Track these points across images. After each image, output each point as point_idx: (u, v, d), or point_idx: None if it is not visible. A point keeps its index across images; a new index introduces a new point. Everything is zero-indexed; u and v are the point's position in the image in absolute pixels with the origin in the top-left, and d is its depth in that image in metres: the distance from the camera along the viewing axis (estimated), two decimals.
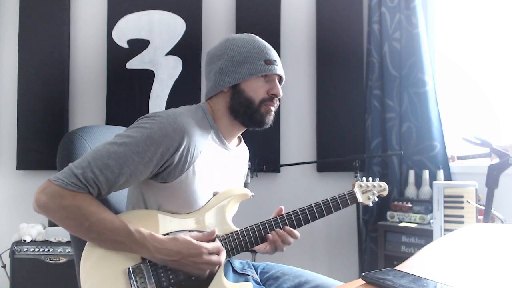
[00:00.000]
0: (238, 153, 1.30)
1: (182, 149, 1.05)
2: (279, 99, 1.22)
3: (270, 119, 1.19)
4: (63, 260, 2.26)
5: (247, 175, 2.13)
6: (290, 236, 1.20)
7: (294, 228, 1.21)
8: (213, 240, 1.09)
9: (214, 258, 1.05)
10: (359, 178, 1.35)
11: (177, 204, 1.11)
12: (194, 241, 1.04)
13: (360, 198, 1.31)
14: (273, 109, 1.19)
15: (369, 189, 1.33)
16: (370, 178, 1.38)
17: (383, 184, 1.37)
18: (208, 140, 1.15)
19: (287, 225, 1.20)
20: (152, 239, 1.02)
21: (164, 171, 1.07)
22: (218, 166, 1.18)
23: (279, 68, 1.19)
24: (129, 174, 1.02)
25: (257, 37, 1.22)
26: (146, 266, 1.04)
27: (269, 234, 1.18)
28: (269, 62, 1.16)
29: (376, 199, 1.35)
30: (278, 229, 1.19)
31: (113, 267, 1.03)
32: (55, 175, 1.00)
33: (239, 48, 1.17)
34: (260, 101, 1.16)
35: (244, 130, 1.25)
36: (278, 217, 1.21)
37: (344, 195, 1.28)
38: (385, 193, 1.37)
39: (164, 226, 1.09)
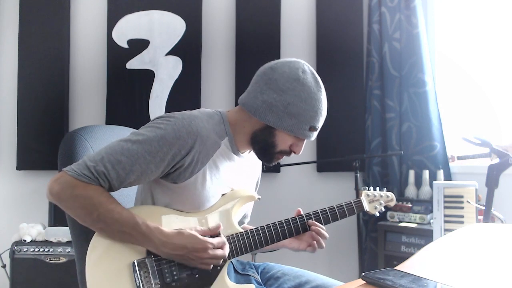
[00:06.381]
0: (251, 159, 1.28)
1: (194, 152, 1.06)
2: None
3: (276, 162, 1.20)
4: (63, 260, 2.26)
5: None
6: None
7: (299, 233, 1.22)
8: (218, 234, 1.10)
9: (218, 252, 1.06)
10: (367, 188, 1.36)
11: (184, 205, 1.12)
12: (200, 236, 1.05)
13: (367, 207, 1.31)
14: (283, 157, 1.20)
15: (376, 199, 1.33)
16: (377, 188, 1.38)
17: (391, 195, 1.37)
18: (221, 146, 1.15)
19: (292, 229, 1.20)
20: (158, 232, 1.04)
21: (174, 172, 1.08)
22: (229, 171, 1.18)
23: (315, 135, 1.18)
24: (140, 172, 1.04)
25: (324, 93, 1.15)
26: (151, 261, 1.05)
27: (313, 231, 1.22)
28: (313, 129, 1.14)
29: (383, 209, 1.35)
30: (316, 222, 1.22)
31: (118, 260, 1.04)
32: (69, 166, 1.03)
33: (299, 99, 1.10)
34: (280, 150, 1.16)
35: None
36: (283, 220, 1.21)
37: (351, 203, 1.28)
38: (392, 203, 1.36)
39: (170, 223, 1.10)
